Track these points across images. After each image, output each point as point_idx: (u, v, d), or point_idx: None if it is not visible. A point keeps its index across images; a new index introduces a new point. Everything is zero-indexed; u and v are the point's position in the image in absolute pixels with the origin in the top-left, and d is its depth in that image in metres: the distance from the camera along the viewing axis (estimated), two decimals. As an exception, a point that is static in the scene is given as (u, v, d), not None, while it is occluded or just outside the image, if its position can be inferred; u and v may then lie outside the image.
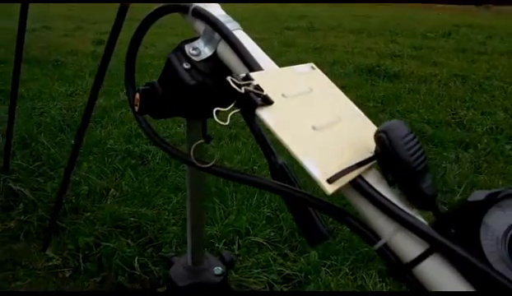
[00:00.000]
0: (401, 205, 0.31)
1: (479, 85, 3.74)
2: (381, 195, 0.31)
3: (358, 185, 0.31)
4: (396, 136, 0.30)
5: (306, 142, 0.32)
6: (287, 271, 1.35)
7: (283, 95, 0.35)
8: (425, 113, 2.98)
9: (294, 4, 10.87)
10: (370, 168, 0.32)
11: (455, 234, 0.29)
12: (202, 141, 0.44)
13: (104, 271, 1.43)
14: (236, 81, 0.32)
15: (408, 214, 0.30)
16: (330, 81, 0.41)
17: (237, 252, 1.44)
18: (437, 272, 0.29)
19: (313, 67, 0.42)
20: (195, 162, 0.38)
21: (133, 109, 0.44)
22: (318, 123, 0.34)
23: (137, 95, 0.43)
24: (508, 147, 2.50)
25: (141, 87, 0.44)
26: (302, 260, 1.40)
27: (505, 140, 2.60)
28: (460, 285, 0.29)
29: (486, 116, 2.99)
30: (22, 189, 1.83)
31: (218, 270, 0.55)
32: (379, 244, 0.31)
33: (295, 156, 0.30)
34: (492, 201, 0.28)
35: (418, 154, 0.30)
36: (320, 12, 9.23)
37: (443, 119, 2.88)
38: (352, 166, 0.31)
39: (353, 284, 1.32)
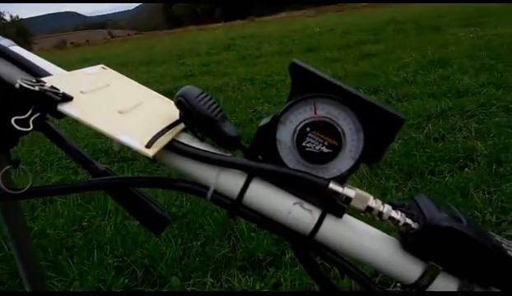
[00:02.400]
0: (215, 151, 0.36)
1: (265, 83, 4.35)
2: (196, 148, 0.35)
3: (174, 147, 0.35)
4: (191, 96, 0.35)
5: (117, 124, 0.34)
6: (154, 308, 1.30)
7: (81, 92, 0.36)
8: (230, 118, 3.28)
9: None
10: (181, 132, 0.37)
11: (263, 159, 0.35)
12: (8, 166, 0.39)
13: None
14: (29, 82, 0.32)
15: (223, 155, 0.35)
16: (124, 76, 0.44)
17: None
18: (262, 193, 0.35)
19: (103, 68, 0.44)
20: (7, 190, 0.34)
21: None
22: (123, 108, 0.36)
23: None
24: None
25: None
26: (165, 289, 1.37)
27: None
28: (282, 197, 0.35)
29: (278, 106, 3.50)
30: None
31: None
32: (210, 193, 0.35)
33: (112, 136, 0.32)
34: (276, 120, 0.34)
35: (213, 107, 0.36)
36: (102, 52, 9.01)
37: (246, 119, 3.23)
38: (163, 129, 0.35)
39: (220, 288, 1.36)
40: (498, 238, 0.36)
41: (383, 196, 1.92)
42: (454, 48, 5.14)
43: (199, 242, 1.61)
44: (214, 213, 1.82)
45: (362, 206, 0.34)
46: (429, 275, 0.34)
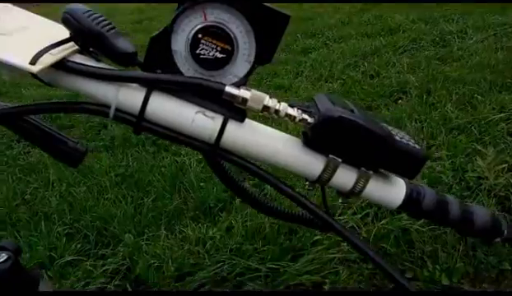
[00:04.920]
0: (111, 68, 0.35)
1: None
2: (90, 66, 0.34)
3: (67, 66, 0.34)
4: (78, 11, 0.34)
5: None
6: (112, 267, 1.30)
7: None
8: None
9: None
10: (75, 53, 0.35)
11: (162, 71, 0.35)
12: None
13: None
14: None
15: (118, 70, 0.35)
16: (16, 7, 0.41)
17: (56, 285, 1.29)
18: (163, 105, 0.35)
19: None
20: None
21: None
22: (5, 30, 0.35)
23: None
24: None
25: None
26: (120, 249, 1.37)
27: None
28: (184, 107, 0.35)
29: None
30: None
31: (2, 257, 0.49)
32: (112, 111, 0.35)
33: None
34: (168, 31, 0.34)
35: (104, 23, 0.35)
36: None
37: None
38: (50, 46, 0.33)
39: (176, 240, 1.38)
40: (389, 127, 0.39)
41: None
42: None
43: (150, 199, 1.62)
44: (162, 168, 1.82)
45: (259, 106, 0.35)
46: (330, 168, 0.37)
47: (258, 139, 0.37)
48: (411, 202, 0.41)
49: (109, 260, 1.34)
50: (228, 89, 0.35)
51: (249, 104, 0.35)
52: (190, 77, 0.35)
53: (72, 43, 0.35)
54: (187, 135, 0.36)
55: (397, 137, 0.37)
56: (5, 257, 0.48)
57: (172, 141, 0.37)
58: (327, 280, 1.17)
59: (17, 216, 1.69)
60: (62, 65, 0.33)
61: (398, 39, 3.16)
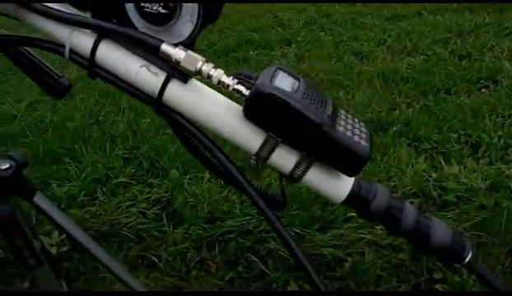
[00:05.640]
0: (68, 11, 0.36)
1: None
2: (49, 7, 0.36)
3: (28, 5, 0.36)
4: None
5: None
6: (154, 196, 1.42)
7: None
8: (250, 23, 3.18)
9: None
10: None
11: (116, 22, 0.36)
12: None
13: None
14: None
15: (73, 14, 0.36)
16: None
17: (102, 198, 1.45)
18: (111, 53, 0.36)
19: None
20: None
21: None
22: None
23: None
24: (321, 34, 2.88)
25: None
26: (166, 182, 1.48)
27: (318, 29, 2.96)
28: (130, 59, 0.36)
29: (302, 13, 3.33)
30: None
31: (3, 164, 0.57)
32: (67, 51, 0.37)
33: None
34: None
35: None
36: None
37: (266, 24, 3.12)
38: None
39: (216, 186, 1.46)
40: (343, 115, 0.36)
41: (392, 111, 1.90)
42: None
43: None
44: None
45: (192, 68, 0.35)
46: (269, 146, 0.35)
47: (199, 101, 0.37)
48: (358, 200, 0.37)
49: (154, 189, 1.46)
50: (164, 47, 0.34)
51: (182, 64, 0.34)
52: (131, 30, 0.35)
53: None
54: (133, 86, 0.37)
55: (339, 127, 0.34)
56: (7, 166, 0.56)
57: (120, 89, 0.38)
58: (350, 258, 1.17)
59: (89, 133, 1.89)
60: (26, 4, 0.36)
61: (506, 18, 2.79)
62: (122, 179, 1.54)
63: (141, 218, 1.35)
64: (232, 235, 1.20)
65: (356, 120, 0.37)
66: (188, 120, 0.38)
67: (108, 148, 1.73)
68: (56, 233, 1.25)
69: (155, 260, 1.17)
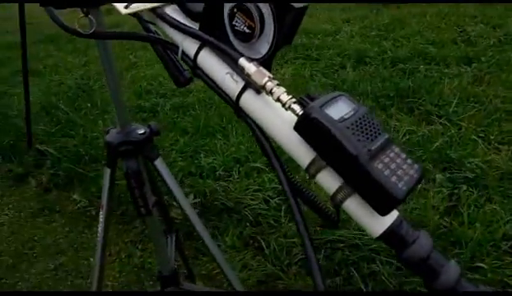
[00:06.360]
0: (183, 22, 0.46)
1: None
2: (172, 18, 0.46)
3: (157, 13, 0.47)
4: None
5: None
6: (281, 187, 1.48)
7: None
8: (429, 34, 2.93)
9: None
10: (167, 5, 0.48)
11: (218, 36, 0.43)
12: (82, 15, 0.50)
13: (123, 205, 1.62)
14: None
15: (189, 27, 0.45)
16: None
17: (237, 177, 1.58)
18: (207, 60, 0.45)
19: None
20: (79, 31, 0.47)
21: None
22: None
23: None
24: (514, 56, 2.45)
25: None
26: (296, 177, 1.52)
27: (511, 50, 2.54)
28: (220, 66, 0.43)
29: (497, 29, 2.90)
30: (48, 149, 2.05)
31: (141, 130, 0.68)
32: (180, 52, 0.46)
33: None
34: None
35: None
36: None
37: (449, 38, 2.83)
38: None
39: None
40: (399, 155, 0.35)
41: None
42: None
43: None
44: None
45: (259, 82, 0.39)
46: (315, 166, 0.37)
47: (265, 111, 0.41)
48: (395, 239, 0.35)
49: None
50: (241, 60, 0.40)
51: (252, 78, 0.39)
52: (221, 43, 0.42)
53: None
54: (221, 88, 0.44)
55: (379, 164, 0.33)
56: (142, 131, 0.67)
57: (212, 89, 0.45)
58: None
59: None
60: (155, 12, 0.47)
61: None
62: (257, 164, 1.65)
63: (263, 204, 1.42)
64: (341, 245, 1.17)
65: (409, 161, 0.35)
66: (259, 127, 0.43)
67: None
68: (191, 196, 1.43)
69: (264, 245, 1.23)
